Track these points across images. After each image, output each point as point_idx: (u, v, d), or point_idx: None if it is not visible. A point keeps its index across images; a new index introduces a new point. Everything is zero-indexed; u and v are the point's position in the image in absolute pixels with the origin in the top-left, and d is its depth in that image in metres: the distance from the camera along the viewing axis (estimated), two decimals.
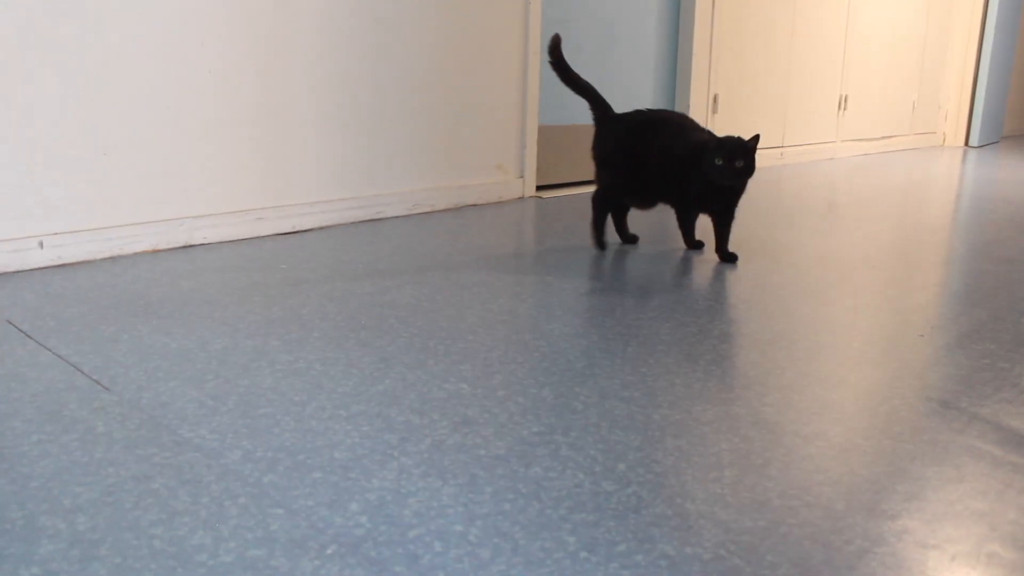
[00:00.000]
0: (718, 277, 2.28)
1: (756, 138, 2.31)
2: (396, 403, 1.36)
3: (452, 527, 1.01)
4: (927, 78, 6.77)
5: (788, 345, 1.72)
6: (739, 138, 2.31)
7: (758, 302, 2.03)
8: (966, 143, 7.06)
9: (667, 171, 2.43)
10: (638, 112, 2.55)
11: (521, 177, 3.45)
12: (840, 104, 5.73)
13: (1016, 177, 4.88)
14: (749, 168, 2.31)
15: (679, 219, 2.61)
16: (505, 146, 3.36)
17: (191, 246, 2.44)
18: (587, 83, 2.58)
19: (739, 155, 2.27)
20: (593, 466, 1.17)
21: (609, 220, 2.64)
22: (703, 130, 2.49)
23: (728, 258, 2.47)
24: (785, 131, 5.20)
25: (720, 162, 2.27)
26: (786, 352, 1.67)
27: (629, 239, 2.70)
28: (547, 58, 2.55)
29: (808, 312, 1.95)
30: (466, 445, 1.22)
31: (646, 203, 2.59)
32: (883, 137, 6.33)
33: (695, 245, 2.64)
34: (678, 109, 4.31)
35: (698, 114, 4.35)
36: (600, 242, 2.58)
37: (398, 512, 1.04)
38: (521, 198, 3.45)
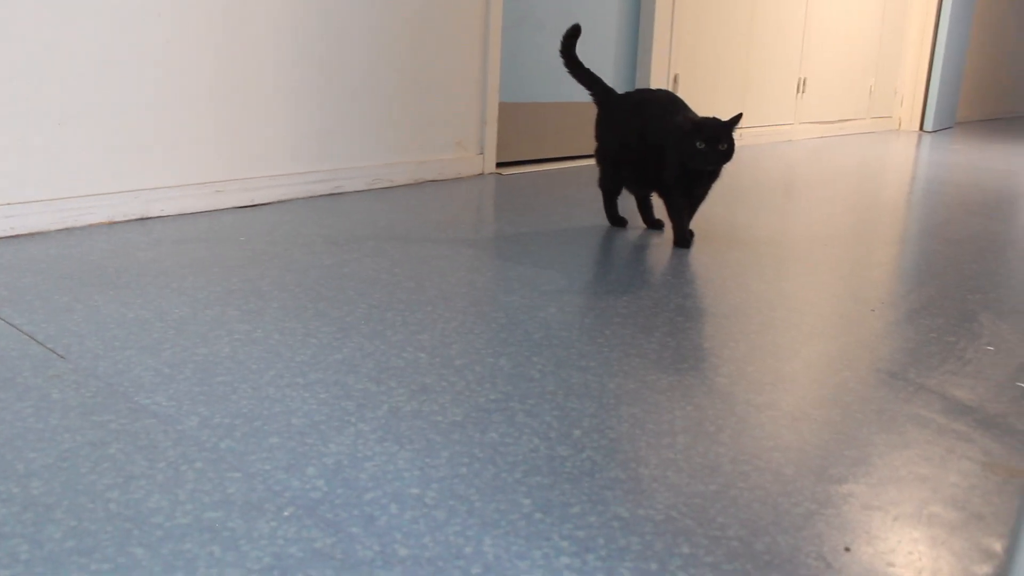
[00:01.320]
0: (677, 254, 2.30)
1: (737, 118, 2.23)
2: (354, 371, 1.37)
3: (408, 490, 1.02)
4: (884, 64, 6.85)
5: (743, 319, 1.74)
6: (717, 119, 2.23)
7: (715, 278, 2.06)
8: (921, 128, 7.16)
9: (648, 156, 2.39)
10: (634, 92, 2.51)
11: (481, 154, 3.45)
12: (799, 87, 5.79)
13: (967, 161, 4.97)
14: (731, 150, 2.23)
15: (668, 208, 2.41)
16: (465, 122, 3.36)
17: (148, 218, 2.42)
18: (591, 73, 2.56)
19: (721, 137, 2.19)
20: (549, 432, 1.18)
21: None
22: (686, 111, 2.38)
23: (685, 242, 2.38)
24: (744, 112, 5.24)
25: (702, 146, 2.18)
26: (741, 326, 1.70)
27: (618, 222, 2.65)
28: (559, 46, 2.55)
29: (763, 288, 1.98)
30: (423, 412, 1.23)
31: (637, 189, 2.56)
32: (840, 120, 6.40)
33: (683, 239, 2.41)
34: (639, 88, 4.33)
35: None
36: (613, 219, 2.63)
37: (355, 476, 1.05)
38: (481, 174, 3.46)
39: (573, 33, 2.51)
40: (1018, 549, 0.50)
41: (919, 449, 1.20)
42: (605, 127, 2.54)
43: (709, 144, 2.18)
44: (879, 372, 1.49)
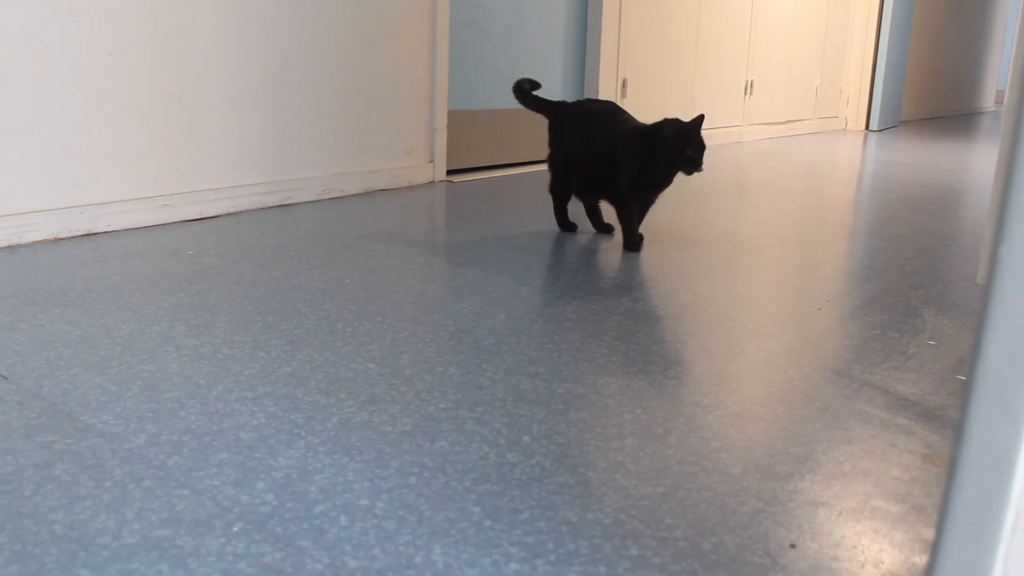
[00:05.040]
0: (626, 258, 2.32)
1: (700, 118, 2.27)
2: (303, 384, 1.37)
3: (358, 501, 1.02)
4: (829, 64, 6.96)
5: (691, 320, 1.76)
6: (678, 120, 2.28)
7: (664, 280, 2.08)
8: (866, 127, 7.28)
9: (595, 164, 2.41)
10: (579, 102, 2.56)
11: (431, 162, 3.45)
12: (746, 89, 5.85)
13: (911, 159, 5.06)
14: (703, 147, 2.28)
15: (619, 214, 2.42)
16: (415, 131, 3.36)
17: (94, 234, 2.39)
18: (538, 98, 2.65)
19: (702, 143, 2.25)
20: (498, 439, 1.19)
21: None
22: (631, 119, 2.44)
23: (635, 245, 2.40)
24: (693, 115, 5.29)
25: (691, 153, 2.23)
26: (688, 327, 1.72)
27: (568, 227, 2.66)
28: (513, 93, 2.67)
29: (711, 289, 2.01)
30: (373, 422, 1.23)
31: (585, 196, 2.58)
32: (788, 121, 6.48)
33: (632, 243, 2.41)
34: (587, 93, 4.35)
35: (607, 98, 4.40)
36: (563, 224, 2.66)
37: (304, 489, 1.05)
38: (432, 182, 3.46)
39: (532, 87, 2.65)
40: (944, 533, 0.52)
41: (862, 444, 1.23)
42: (553, 136, 2.59)
43: (696, 151, 2.24)
44: (824, 369, 1.52)
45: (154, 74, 2.48)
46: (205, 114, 2.63)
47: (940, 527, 0.53)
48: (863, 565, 0.93)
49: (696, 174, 2.38)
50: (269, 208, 2.83)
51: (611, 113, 2.45)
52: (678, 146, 2.23)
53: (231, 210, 2.73)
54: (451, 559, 0.91)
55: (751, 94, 5.91)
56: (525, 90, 2.63)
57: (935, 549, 0.53)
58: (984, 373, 0.49)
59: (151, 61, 2.47)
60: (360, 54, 3.08)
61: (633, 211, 2.39)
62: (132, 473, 1.08)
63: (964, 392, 0.51)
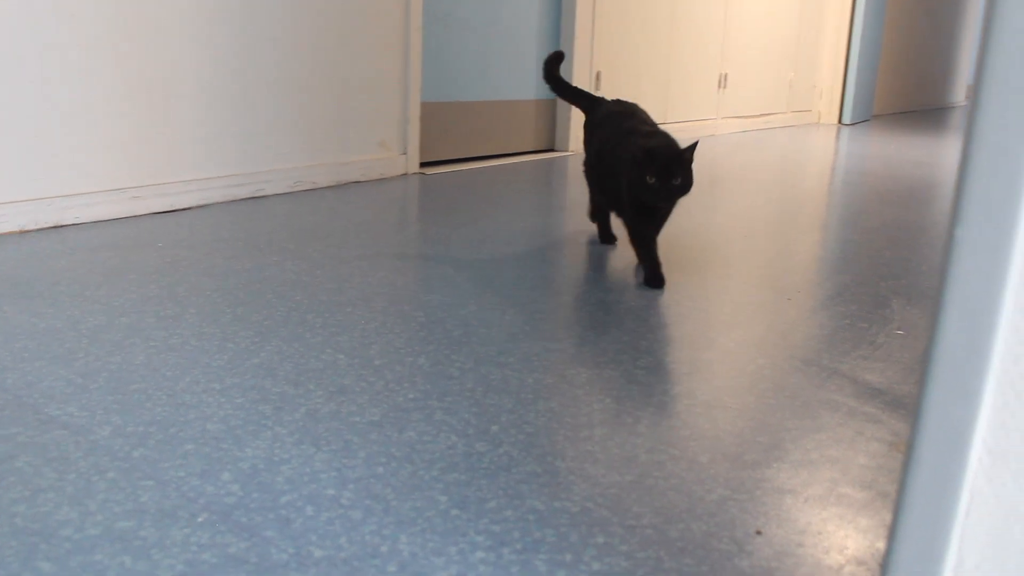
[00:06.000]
0: (598, 252, 2.32)
1: (693, 147, 1.88)
2: (271, 375, 1.36)
3: (324, 491, 1.02)
4: (803, 58, 6.99)
5: (662, 311, 1.77)
6: (670, 146, 1.90)
7: (635, 273, 2.08)
8: (839, 121, 7.32)
9: (605, 174, 2.16)
10: (608, 102, 2.31)
11: (404, 154, 3.44)
12: (720, 82, 5.87)
13: (883, 153, 5.09)
14: (686, 184, 1.88)
15: (630, 239, 2.06)
16: (387, 122, 3.35)
17: (62, 226, 2.36)
18: (576, 89, 2.43)
19: (675, 170, 1.84)
20: (467, 429, 1.19)
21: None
22: (648, 129, 2.07)
23: (655, 280, 1.97)
24: (667, 108, 5.31)
25: (652, 180, 1.84)
26: (659, 317, 1.72)
27: (606, 239, 2.39)
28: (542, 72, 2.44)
29: (683, 280, 2.01)
30: (341, 413, 1.23)
31: (602, 200, 2.32)
32: (761, 114, 6.51)
33: (657, 280, 1.97)
34: None
35: None
36: (601, 235, 2.39)
37: (270, 479, 1.04)
38: (405, 175, 3.45)
39: (555, 59, 2.40)
40: (901, 514, 0.52)
41: (830, 432, 1.23)
42: (586, 135, 2.36)
43: (660, 178, 1.84)
44: (793, 359, 1.52)
45: (123, 64, 2.46)
46: (175, 105, 2.61)
47: (897, 508, 0.53)
48: (828, 551, 0.94)
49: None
50: (240, 200, 2.81)
51: (628, 116, 2.14)
52: (640, 168, 1.86)
53: (201, 202, 2.71)
54: (417, 548, 0.91)
55: (725, 87, 5.93)
56: (557, 77, 2.41)
57: (892, 530, 0.53)
58: (940, 353, 0.50)
59: (120, 51, 2.44)
60: (332, 45, 3.07)
61: (644, 236, 2.01)
62: (96, 465, 1.07)
63: (921, 372, 0.51)
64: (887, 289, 1.99)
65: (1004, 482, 0.49)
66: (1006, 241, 0.46)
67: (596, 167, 2.24)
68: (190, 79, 2.64)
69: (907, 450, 0.51)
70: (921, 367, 0.50)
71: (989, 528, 0.50)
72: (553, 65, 2.41)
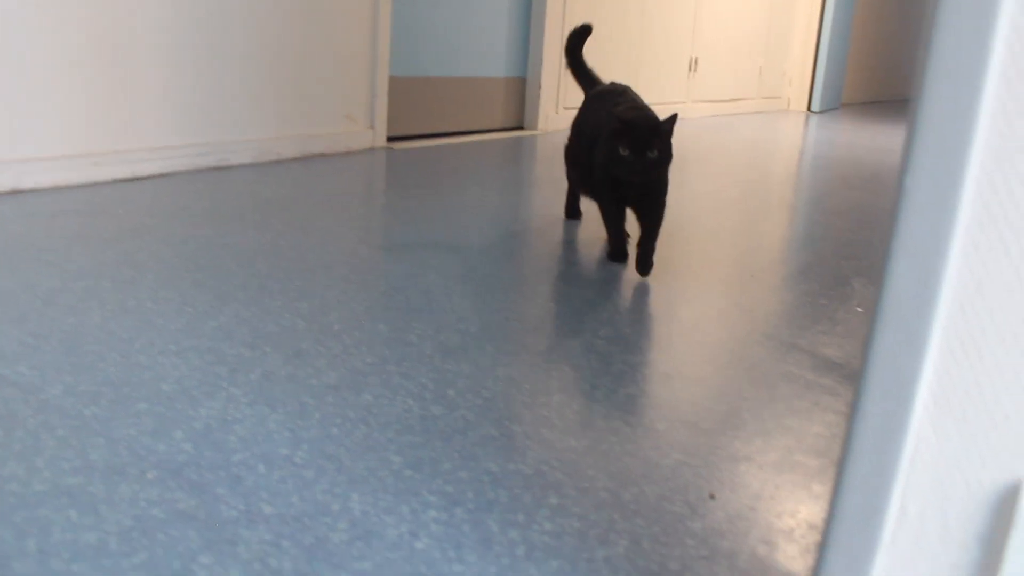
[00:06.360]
0: (565, 227, 2.32)
1: (672, 119, 1.78)
2: (228, 338, 1.34)
3: (277, 451, 1.01)
4: (773, 45, 7.01)
5: (624, 284, 1.77)
6: (647, 117, 1.80)
7: (599, 247, 2.08)
8: (808, 108, 7.36)
9: (585, 152, 2.06)
10: (607, 84, 2.21)
11: (371, 128, 3.41)
12: (691, 66, 5.88)
13: (850, 140, 5.13)
14: (664, 158, 1.77)
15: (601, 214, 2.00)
16: (355, 96, 3.32)
17: (19, 191, 2.32)
18: (590, 74, 2.30)
19: (651, 142, 1.73)
20: (423, 393, 1.18)
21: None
22: (630, 101, 1.98)
23: (646, 265, 1.82)
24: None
25: (626, 152, 1.72)
26: (621, 291, 1.73)
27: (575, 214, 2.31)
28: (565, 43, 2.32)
29: None
30: (297, 376, 1.22)
31: (579, 182, 2.23)
32: (731, 100, 6.53)
33: (618, 255, 1.95)
34: (531, 65, 4.33)
35: (550, 74, 4.39)
36: (569, 211, 2.31)
37: (223, 438, 1.03)
38: (371, 149, 3.42)
39: (582, 32, 2.28)
40: (845, 466, 0.52)
41: (787, 403, 1.24)
42: (575, 119, 2.22)
43: (635, 150, 1.73)
44: (754, 333, 1.53)
45: (85, 27, 2.41)
46: (137, 71, 2.57)
47: (843, 457, 0.53)
48: (780, 515, 0.94)
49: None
50: (204, 170, 2.78)
51: (618, 96, 2.02)
52: (613, 139, 1.75)
53: (164, 171, 2.67)
54: (369, 507, 0.90)
55: (695, 71, 5.93)
56: (577, 52, 2.28)
57: (838, 480, 0.53)
58: (888, 301, 0.50)
59: (81, 15, 2.40)
60: (301, 16, 3.03)
61: (612, 214, 1.94)
62: (46, 423, 1.05)
63: (870, 321, 0.51)
64: (849, 268, 2.00)
65: (948, 431, 0.49)
66: (954, 190, 0.46)
67: (575, 145, 2.18)
68: (153, 45, 2.60)
69: (854, 399, 0.51)
70: (870, 315, 0.50)
71: (932, 476, 0.50)
72: (579, 40, 2.30)
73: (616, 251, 1.94)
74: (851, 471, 0.52)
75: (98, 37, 2.45)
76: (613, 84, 2.18)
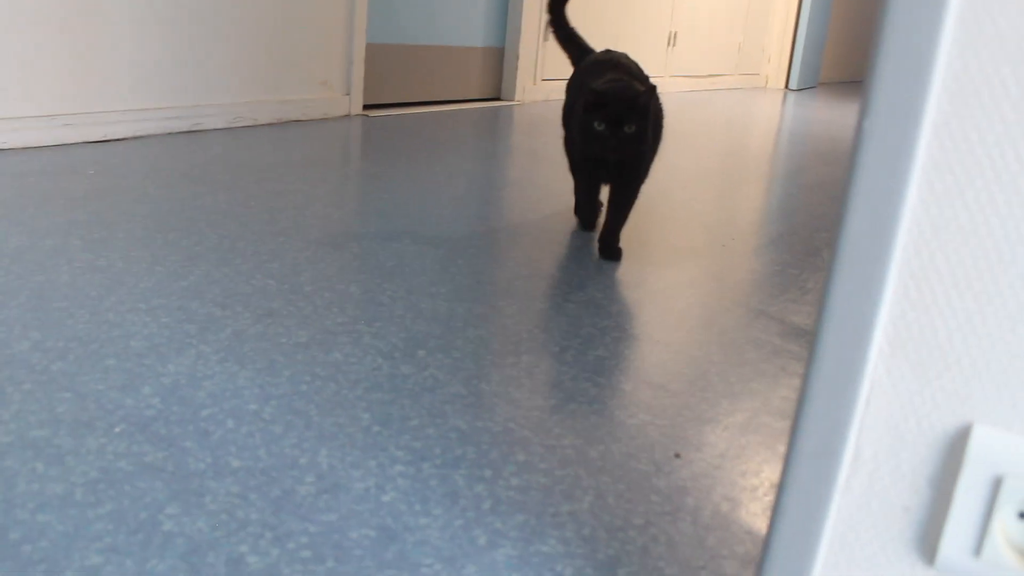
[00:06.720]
0: (537, 194, 2.32)
1: (651, 91, 1.64)
2: (199, 297, 1.34)
3: (246, 406, 1.01)
4: (752, 22, 7.01)
5: (596, 253, 1.77)
6: (625, 89, 1.64)
7: (573, 216, 2.08)
8: (786, 86, 7.38)
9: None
10: (600, 52, 2.01)
11: (347, 95, 3.39)
12: (669, 40, 5.87)
13: (827, 117, 5.15)
14: (641, 133, 1.62)
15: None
16: (331, 62, 3.29)
17: None
18: (576, 38, 2.13)
19: (627, 116, 1.59)
20: (393, 352, 1.18)
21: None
22: (625, 69, 1.82)
23: (609, 252, 1.74)
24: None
25: (601, 127, 1.60)
26: (594, 258, 1.73)
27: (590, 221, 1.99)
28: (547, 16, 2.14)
29: None
30: (268, 334, 1.21)
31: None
32: (710, 75, 6.53)
33: (586, 223, 1.93)
34: (509, 37, 4.31)
35: (528, 45, 4.37)
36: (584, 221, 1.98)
37: (192, 394, 1.03)
38: (347, 116, 3.40)
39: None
40: (802, 409, 0.53)
41: (754, 367, 1.25)
42: (567, 98, 1.99)
43: (610, 124, 1.60)
44: (723, 300, 1.54)
45: None
46: (110, 32, 2.54)
47: (800, 400, 0.54)
48: (744, 474, 0.96)
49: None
50: (177, 133, 2.75)
51: (611, 67, 1.82)
52: (587, 114, 1.62)
53: (137, 133, 2.65)
54: (336, 461, 0.91)
55: (674, 45, 5.93)
56: (561, 13, 2.13)
57: (794, 424, 0.54)
58: (845, 243, 0.50)
59: None
60: None
61: (579, 186, 1.91)
62: (12, 377, 1.05)
63: (827, 263, 0.52)
64: (821, 240, 2.02)
65: (903, 373, 0.50)
66: (912, 132, 0.47)
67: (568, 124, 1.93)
68: (126, 6, 2.57)
69: (811, 343, 0.52)
70: (827, 258, 0.50)
71: (887, 419, 0.51)
72: (559, 2, 2.13)
73: (584, 221, 1.95)
74: (807, 415, 0.53)
75: None
76: (607, 51, 1.97)
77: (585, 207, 1.94)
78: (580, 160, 1.81)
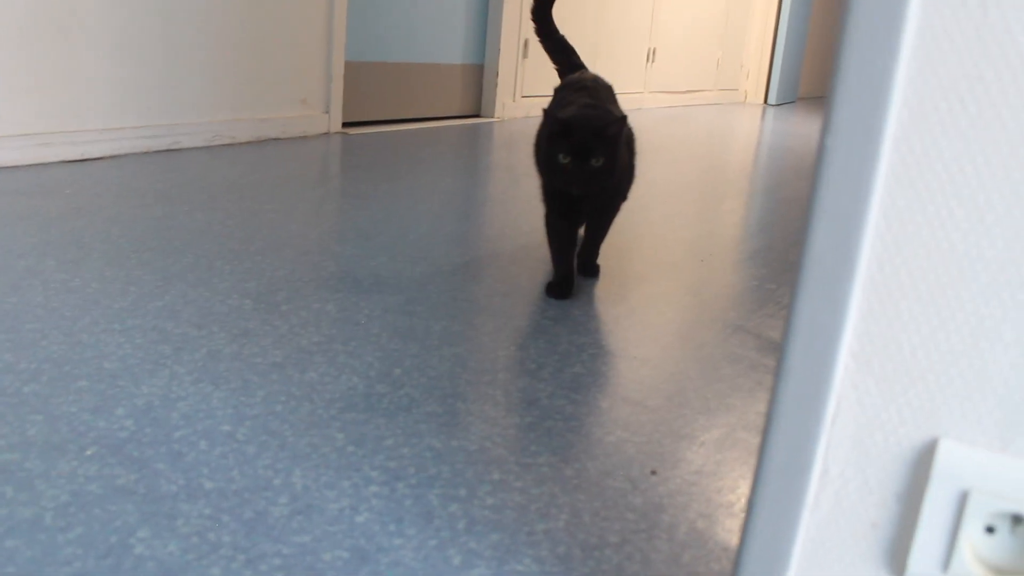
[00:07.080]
0: (515, 211, 2.32)
1: (620, 121, 1.48)
2: (174, 317, 1.33)
3: (220, 427, 1.00)
4: (731, 38, 7.06)
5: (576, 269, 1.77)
6: (592, 118, 1.48)
7: None
8: (765, 101, 7.42)
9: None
10: (578, 74, 1.86)
11: (327, 112, 3.39)
12: (648, 56, 5.90)
13: (805, 132, 5.18)
14: (609, 167, 1.47)
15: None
16: (310, 80, 3.29)
17: None
18: (564, 43, 1.97)
19: (595, 148, 1.44)
20: (369, 371, 1.18)
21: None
22: (600, 99, 1.67)
23: (587, 269, 1.72)
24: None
25: (566, 160, 1.45)
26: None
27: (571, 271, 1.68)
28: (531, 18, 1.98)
29: None
30: (242, 354, 1.21)
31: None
32: (689, 91, 6.56)
33: (558, 287, 1.60)
34: (488, 54, 4.32)
35: (508, 62, 4.38)
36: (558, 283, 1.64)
37: (165, 415, 1.02)
38: (327, 134, 3.40)
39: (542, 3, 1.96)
40: (770, 427, 0.53)
41: (731, 382, 1.25)
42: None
43: (576, 157, 1.45)
44: (701, 315, 1.54)
45: (31, 5, 2.37)
46: (88, 49, 2.53)
47: (768, 419, 0.54)
48: (720, 490, 0.96)
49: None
50: (155, 152, 2.74)
51: (580, 91, 1.69)
52: (551, 145, 1.47)
53: (115, 152, 2.64)
54: (310, 481, 0.90)
55: (653, 61, 5.96)
56: (547, 18, 1.96)
57: (763, 442, 0.54)
58: (810, 260, 0.50)
59: None
60: None
61: (552, 230, 1.64)
62: None
63: (793, 280, 0.52)
64: (797, 255, 2.02)
65: (868, 389, 0.50)
66: (873, 149, 0.47)
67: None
68: (104, 23, 2.56)
69: (778, 359, 0.52)
70: (793, 275, 0.50)
71: (853, 434, 0.51)
72: (546, 3, 1.96)
73: (556, 282, 1.61)
74: (775, 432, 0.53)
75: (45, 16, 2.41)
76: (582, 74, 1.83)
77: (561, 262, 1.63)
78: (550, 199, 1.62)
